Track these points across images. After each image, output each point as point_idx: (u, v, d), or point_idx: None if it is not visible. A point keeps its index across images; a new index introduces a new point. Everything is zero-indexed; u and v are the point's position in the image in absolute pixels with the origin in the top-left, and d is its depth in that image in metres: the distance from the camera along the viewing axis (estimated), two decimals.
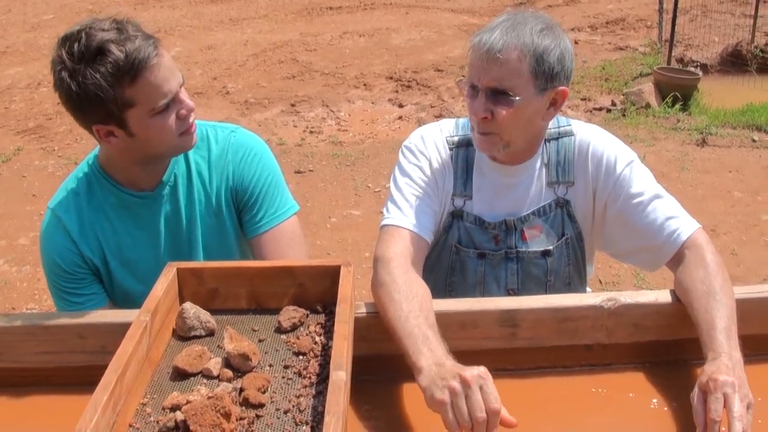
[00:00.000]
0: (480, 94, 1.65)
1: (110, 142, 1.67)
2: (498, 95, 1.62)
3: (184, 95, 1.68)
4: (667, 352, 1.57)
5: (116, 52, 1.54)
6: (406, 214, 1.73)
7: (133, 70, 1.55)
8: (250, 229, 1.91)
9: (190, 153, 1.87)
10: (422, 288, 1.54)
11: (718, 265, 1.58)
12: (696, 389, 1.34)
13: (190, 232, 1.89)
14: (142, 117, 1.62)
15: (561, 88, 1.67)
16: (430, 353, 1.33)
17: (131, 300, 1.84)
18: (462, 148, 1.84)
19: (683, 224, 1.68)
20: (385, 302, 1.49)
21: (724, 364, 1.34)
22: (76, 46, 1.55)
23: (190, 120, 1.71)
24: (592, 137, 1.81)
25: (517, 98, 1.61)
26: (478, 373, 1.24)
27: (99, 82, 1.54)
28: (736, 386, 1.28)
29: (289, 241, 1.91)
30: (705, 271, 1.56)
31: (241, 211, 1.92)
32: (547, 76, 1.63)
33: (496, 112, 1.63)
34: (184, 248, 1.90)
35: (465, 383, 1.22)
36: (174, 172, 1.85)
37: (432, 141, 1.84)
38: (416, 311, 1.44)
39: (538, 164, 1.82)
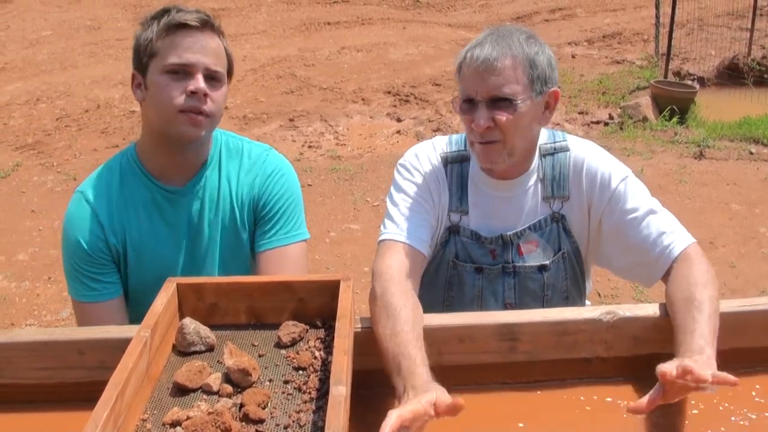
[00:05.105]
0: (480, 106, 1.67)
1: (136, 94, 1.80)
2: (498, 102, 1.65)
3: (203, 80, 1.73)
4: None
5: (173, 14, 1.73)
6: (402, 228, 1.74)
7: (171, 25, 1.72)
8: (258, 243, 1.94)
9: (224, 160, 1.93)
10: (411, 303, 1.54)
11: (707, 278, 1.56)
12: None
13: (211, 237, 1.92)
14: (155, 70, 1.73)
15: (553, 89, 1.72)
16: (402, 381, 1.33)
17: (141, 294, 1.87)
18: (456, 164, 1.85)
19: (676, 239, 1.68)
20: (377, 316, 1.52)
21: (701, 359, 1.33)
22: (159, 13, 1.76)
23: (198, 103, 1.73)
24: (587, 153, 1.83)
25: (519, 102, 1.65)
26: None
27: (150, 31, 1.74)
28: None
29: (291, 264, 1.93)
30: (688, 282, 1.56)
31: (256, 224, 1.95)
32: (541, 81, 1.68)
33: (497, 120, 1.66)
34: (201, 252, 1.92)
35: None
36: (206, 174, 1.89)
37: (426, 158, 1.86)
38: (400, 325, 1.44)
39: (533, 179, 1.83)
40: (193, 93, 1.71)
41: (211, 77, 1.75)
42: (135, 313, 1.91)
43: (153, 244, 1.88)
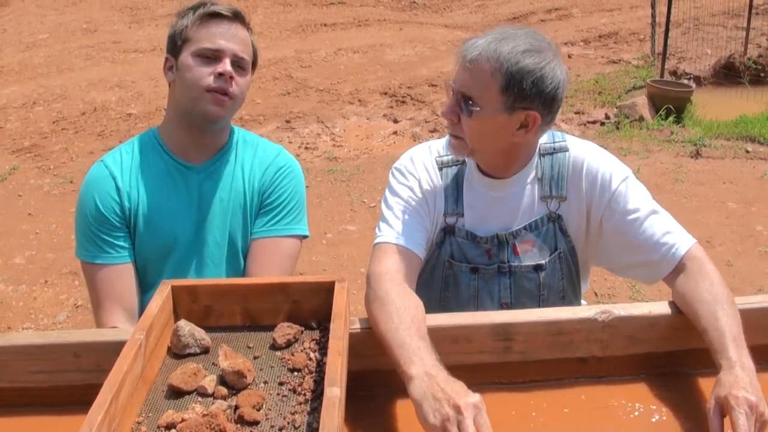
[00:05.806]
0: (453, 96, 1.68)
1: (167, 76, 1.92)
2: (465, 101, 1.65)
3: (230, 65, 1.84)
4: (662, 364, 1.58)
5: (208, 5, 1.87)
6: (397, 231, 1.74)
7: (206, 14, 1.86)
8: (254, 231, 2.00)
9: (240, 149, 2.02)
10: (414, 301, 1.54)
11: (720, 277, 1.59)
12: (713, 402, 1.33)
13: (219, 218, 1.97)
14: (187, 53, 1.85)
15: (533, 112, 1.63)
16: (420, 362, 1.32)
17: (142, 266, 1.95)
18: (451, 167, 1.85)
19: (680, 239, 1.68)
20: (377, 315, 1.50)
21: (741, 377, 1.34)
22: (195, 5, 1.90)
23: (224, 84, 1.84)
24: (586, 154, 1.82)
25: (478, 109, 1.63)
26: (473, 402, 1.22)
27: (186, 19, 1.87)
28: (754, 407, 1.28)
29: (280, 257, 1.98)
30: (710, 281, 1.57)
31: (258, 212, 2.01)
32: (518, 97, 1.60)
33: (462, 118, 1.67)
34: (208, 231, 1.96)
35: (458, 411, 1.20)
36: (223, 158, 1.99)
37: (421, 162, 1.86)
38: (408, 322, 1.44)
39: (530, 178, 1.82)
40: (221, 75, 1.83)
41: (238, 64, 1.87)
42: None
43: (162, 215, 1.92)
